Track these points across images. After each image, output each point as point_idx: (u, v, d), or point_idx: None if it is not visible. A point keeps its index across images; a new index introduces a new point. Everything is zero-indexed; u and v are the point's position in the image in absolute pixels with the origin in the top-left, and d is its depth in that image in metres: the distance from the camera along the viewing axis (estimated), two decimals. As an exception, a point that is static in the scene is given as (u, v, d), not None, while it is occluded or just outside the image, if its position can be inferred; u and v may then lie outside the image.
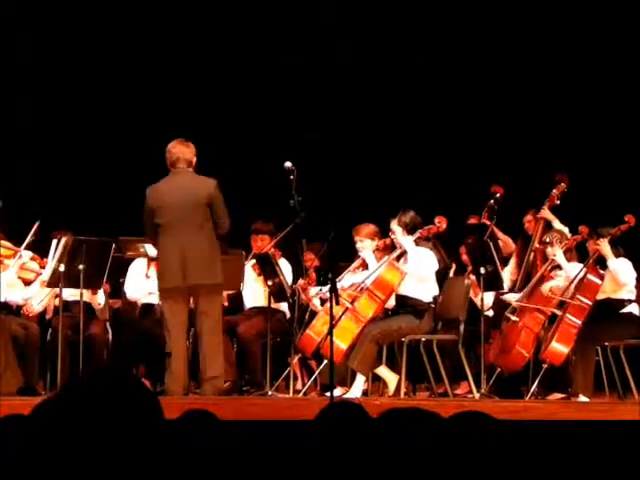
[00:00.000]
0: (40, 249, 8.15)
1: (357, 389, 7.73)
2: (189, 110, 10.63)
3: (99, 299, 8.30)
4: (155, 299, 8.41)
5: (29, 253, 8.13)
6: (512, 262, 8.77)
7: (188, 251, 7.27)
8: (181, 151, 7.40)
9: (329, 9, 10.62)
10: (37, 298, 8.21)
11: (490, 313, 8.54)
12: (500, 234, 8.98)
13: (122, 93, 10.63)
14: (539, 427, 5.14)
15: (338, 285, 7.24)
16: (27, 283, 8.18)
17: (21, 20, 10.36)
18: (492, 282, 8.14)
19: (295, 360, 8.50)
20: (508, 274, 8.55)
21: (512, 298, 8.21)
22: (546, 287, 8.02)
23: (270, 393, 7.90)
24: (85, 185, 10.40)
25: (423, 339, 7.94)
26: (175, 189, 7.35)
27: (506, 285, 8.34)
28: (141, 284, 8.52)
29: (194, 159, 7.45)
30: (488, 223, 8.99)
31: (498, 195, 9.03)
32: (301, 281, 8.44)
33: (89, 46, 10.55)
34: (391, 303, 8.12)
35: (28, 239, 8.08)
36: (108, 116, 10.67)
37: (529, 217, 8.74)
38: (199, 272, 7.30)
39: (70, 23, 10.44)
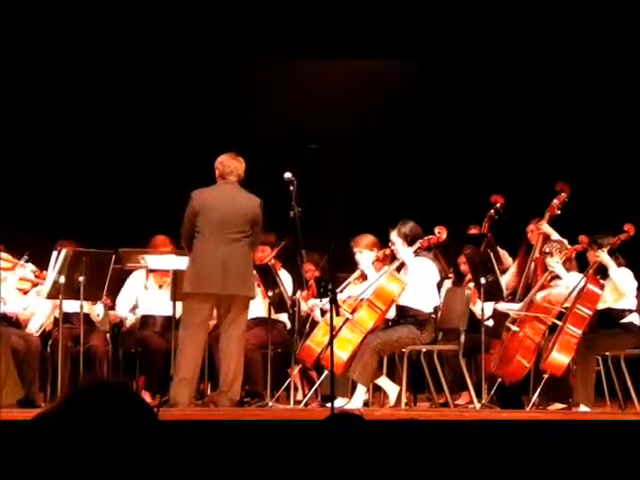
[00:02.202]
0: (42, 260, 8.13)
1: (358, 400, 7.72)
2: (191, 117, 10.63)
3: (97, 310, 8.29)
4: (154, 310, 8.40)
5: (30, 266, 8.12)
6: (511, 271, 8.76)
7: (229, 262, 7.33)
8: (235, 166, 7.50)
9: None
10: (37, 313, 8.18)
11: (490, 323, 8.54)
12: (497, 248, 8.94)
13: (123, 95, 10.59)
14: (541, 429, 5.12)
15: (338, 297, 7.25)
16: (25, 294, 8.17)
17: (21, 20, 10.35)
18: (492, 292, 8.14)
19: (296, 371, 8.49)
20: (505, 283, 8.55)
21: (505, 307, 8.20)
22: (538, 296, 8.02)
23: (271, 404, 7.89)
24: (85, 195, 10.37)
25: (424, 349, 7.94)
26: (223, 199, 7.43)
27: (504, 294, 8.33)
28: (133, 299, 8.49)
29: (243, 175, 7.54)
30: (488, 234, 8.98)
31: (498, 205, 9.02)
32: (303, 292, 8.44)
33: (89, 46, 10.53)
34: (392, 314, 8.12)
35: (18, 264, 8.06)
36: (108, 121, 10.62)
37: (532, 227, 8.72)
38: (237, 284, 7.36)
39: (70, 23, 10.42)
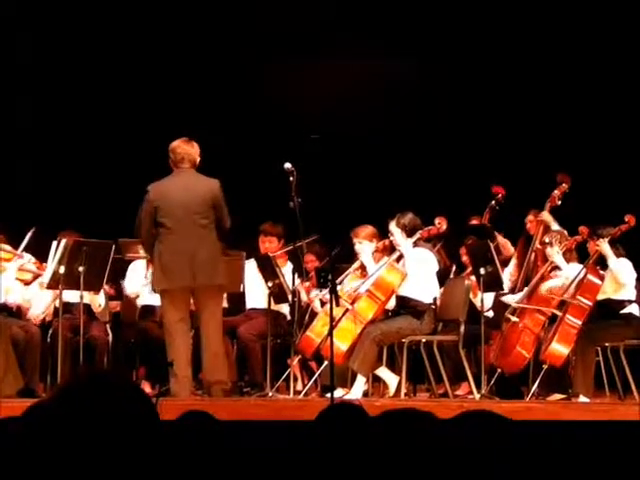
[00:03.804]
0: (42, 252, 8.14)
1: (357, 390, 7.72)
2: (189, 110, 10.62)
3: (99, 301, 8.29)
4: (155, 300, 8.40)
5: (29, 256, 8.13)
6: (513, 263, 8.76)
7: (196, 252, 7.25)
8: (186, 151, 7.39)
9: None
10: (37, 301, 8.20)
11: (490, 314, 8.54)
12: (499, 238, 8.96)
13: (122, 93, 10.62)
14: (539, 427, 5.13)
15: (338, 288, 7.27)
16: (25, 284, 8.17)
17: (21, 20, 10.35)
18: (492, 283, 8.14)
19: (295, 361, 8.49)
20: (508, 275, 8.55)
21: (511, 299, 8.20)
22: (544, 287, 8.02)
23: (270, 394, 7.89)
24: (84, 186, 10.39)
25: (423, 340, 7.94)
26: (180, 189, 7.32)
27: (506, 286, 8.33)
28: (141, 283, 8.50)
29: (198, 159, 7.44)
30: (489, 225, 8.98)
31: (499, 196, 9.02)
32: (306, 283, 8.44)
33: (89, 46, 10.55)
34: (391, 304, 8.12)
35: (23, 244, 8.07)
36: (108, 116, 10.66)
37: (531, 217, 8.73)
38: (207, 273, 7.28)
39: (70, 23, 10.43)
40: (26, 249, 8.14)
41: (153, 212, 7.31)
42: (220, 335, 7.46)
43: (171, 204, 7.29)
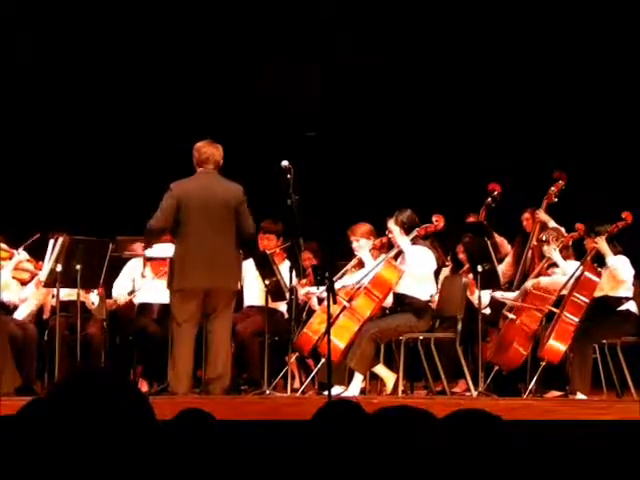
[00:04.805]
0: (36, 250, 8.13)
1: (355, 388, 7.73)
2: (188, 108, 10.62)
3: (92, 298, 8.28)
4: (152, 298, 8.40)
5: (25, 255, 8.12)
6: (508, 259, 8.76)
7: (216, 254, 7.29)
8: (211, 152, 7.44)
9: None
10: (23, 306, 8.20)
11: (487, 311, 8.54)
12: (496, 235, 8.95)
13: (120, 93, 10.62)
14: (536, 426, 5.13)
15: (336, 286, 7.26)
16: (23, 284, 8.17)
17: (21, 20, 10.35)
18: (489, 280, 8.14)
19: (293, 359, 8.50)
20: (500, 271, 8.54)
21: (500, 295, 8.21)
22: (528, 284, 8.03)
23: (268, 392, 7.90)
24: (82, 185, 10.39)
25: (421, 337, 7.95)
26: (204, 189, 7.36)
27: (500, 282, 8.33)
28: (130, 285, 8.47)
29: (221, 161, 7.48)
30: (485, 222, 8.98)
31: (496, 193, 9.02)
32: (303, 280, 8.44)
33: (89, 46, 10.55)
34: (389, 301, 8.12)
35: (25, 244, 8.09)
36: (106, 116, 10.66)
37: (527, 215, 8.73)
38: (224, 276, 7.35)
39: (70, 23, 10.43)
40: (24, 248, 8.14)
41: (175, 208, 7.34)
42: (228, 339, 7.53)
43: (193, 205, 7.34)
